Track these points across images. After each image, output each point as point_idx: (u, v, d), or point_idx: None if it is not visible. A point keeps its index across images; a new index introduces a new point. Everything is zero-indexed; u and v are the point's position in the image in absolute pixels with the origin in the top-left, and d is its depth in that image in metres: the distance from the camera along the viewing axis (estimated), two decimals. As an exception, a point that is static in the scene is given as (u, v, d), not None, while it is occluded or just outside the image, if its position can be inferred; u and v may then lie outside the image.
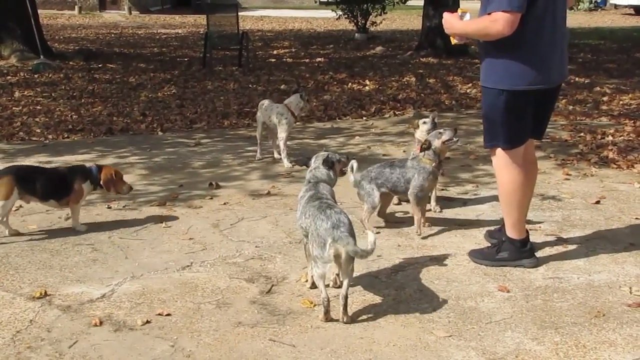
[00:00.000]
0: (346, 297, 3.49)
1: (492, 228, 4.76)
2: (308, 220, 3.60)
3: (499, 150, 4.14)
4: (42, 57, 13.27)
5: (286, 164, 6.61)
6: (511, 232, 4.25)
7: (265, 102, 6.96)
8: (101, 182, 4.97)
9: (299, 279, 4.04)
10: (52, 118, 9.17)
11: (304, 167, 4.11)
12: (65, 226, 4.98)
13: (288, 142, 6.76)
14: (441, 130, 4.82)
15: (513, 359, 3.19)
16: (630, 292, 3.85)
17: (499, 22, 3.75)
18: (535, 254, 4.31)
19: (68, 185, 4.88)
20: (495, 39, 3.85)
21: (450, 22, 4.08)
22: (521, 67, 3.91)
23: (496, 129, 4.10)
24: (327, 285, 3.63)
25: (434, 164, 4.75)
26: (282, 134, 6.61)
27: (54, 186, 4.88)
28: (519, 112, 4.02)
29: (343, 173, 4.16)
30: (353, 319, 3.53)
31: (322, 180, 3.92)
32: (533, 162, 4.35)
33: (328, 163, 3.99)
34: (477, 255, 4.35)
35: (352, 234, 3.45)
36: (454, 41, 4.20)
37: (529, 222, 4.83)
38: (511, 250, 4.24)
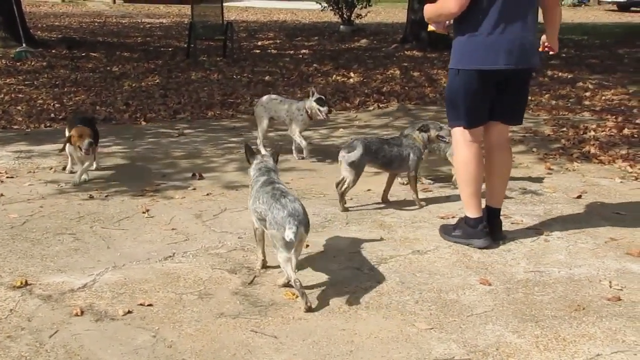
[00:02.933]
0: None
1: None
2: (263, 206, 3.69)
3: (459, 129, 4.31)
4: (24, 44, 13.13)
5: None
6: (466, 209, 4.39)
7: (266, 97, 6.91)
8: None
9: (281, 270, 4.04)
10: (34, 106, 9.10)
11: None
12: (46, 215, 4.94)
13: (269, 134, 6.81)
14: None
15: (494, 352, 3.20)
16: (610, 286, 3.88)
17: (450, 1, 4.00)
18: (489, 235, 4.37)
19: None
20: (449, 19, 4.16)
21: (425, 9, 4.34)
22: (472, 47, 4.12)
23: (457, 110, 4.29)
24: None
25: None
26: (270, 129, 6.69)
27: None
28: (475, 93, 4.19)
29: None
30: (334, 311, 3.54)
31: (272, 169, 4.04)
32: (502, 147, 4.44)
33: (275, 157, 4.17)
34: (441, 229, 4.57)
35: (306, 221, 3.60)
36: (430, 28, 4.48)
37: (508, 216, 4.88)
38: (464, 229, 4.40)
